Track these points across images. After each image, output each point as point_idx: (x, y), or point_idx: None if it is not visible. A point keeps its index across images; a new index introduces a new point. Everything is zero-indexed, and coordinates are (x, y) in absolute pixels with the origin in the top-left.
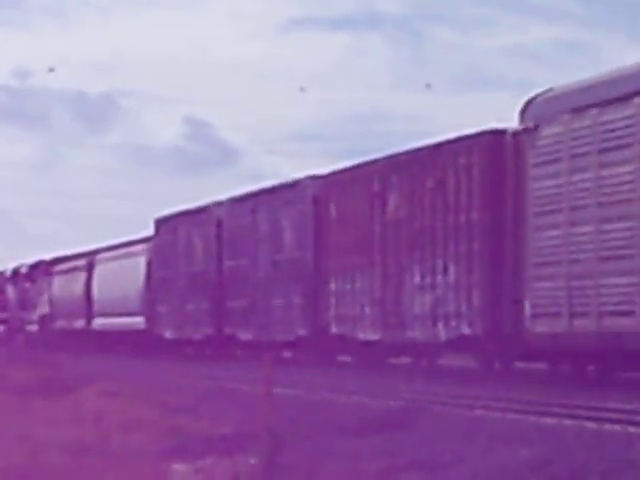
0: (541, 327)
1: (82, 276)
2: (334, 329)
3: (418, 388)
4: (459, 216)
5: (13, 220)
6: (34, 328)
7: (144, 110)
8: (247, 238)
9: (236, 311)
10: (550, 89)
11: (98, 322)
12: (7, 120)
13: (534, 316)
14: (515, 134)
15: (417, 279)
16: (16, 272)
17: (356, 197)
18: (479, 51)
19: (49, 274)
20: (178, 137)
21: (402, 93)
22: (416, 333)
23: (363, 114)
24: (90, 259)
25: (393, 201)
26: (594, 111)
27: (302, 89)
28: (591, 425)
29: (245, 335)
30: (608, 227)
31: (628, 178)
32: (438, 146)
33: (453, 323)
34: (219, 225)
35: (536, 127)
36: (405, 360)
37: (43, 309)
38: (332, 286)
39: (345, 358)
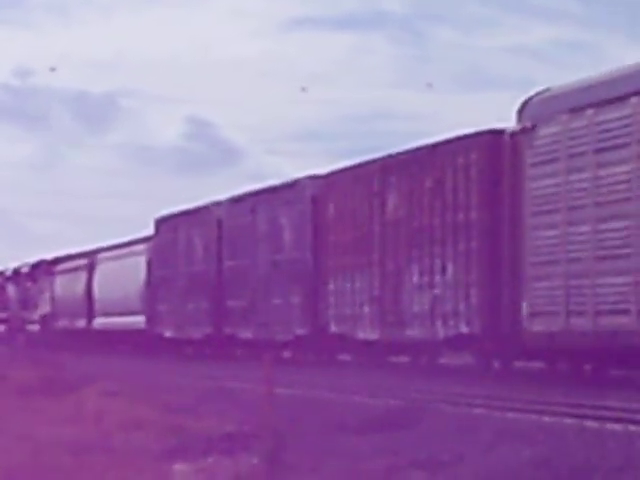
0: (539, 326)
1: (83, 276)
2: (333, 328)
3: (417, 387)
4: (457, 215)
5: (14, 220)
6: (35, 328)
7: (146, 110)
8: (247, 238)
9: (236, 310)
10: (547, 89)
11: (99, 321)
12: (8, 119)
13: (532, 315)
14: (513, 134)
15: (416, 278)
16: (17, 272)
17: (355, 197)
18: (481, 51)
19: (50, 274)
20: (180, 137)
21: (404, 92)
22: (415, 332)
23: (365, 113)
24: (91, 259)
25: (392, 201)
26: (591, 111)
27: (304, 89)
28: (591, 424)
29: (245, 334)
30: (605, 227)
31: (625, 178)
32: (436, 146)
33: (451, 322)
34: (219, 225)
35: (534, 127)
36: (404, 359)
37: (44, 309)
38: (331, 285)
39: (344, 357)
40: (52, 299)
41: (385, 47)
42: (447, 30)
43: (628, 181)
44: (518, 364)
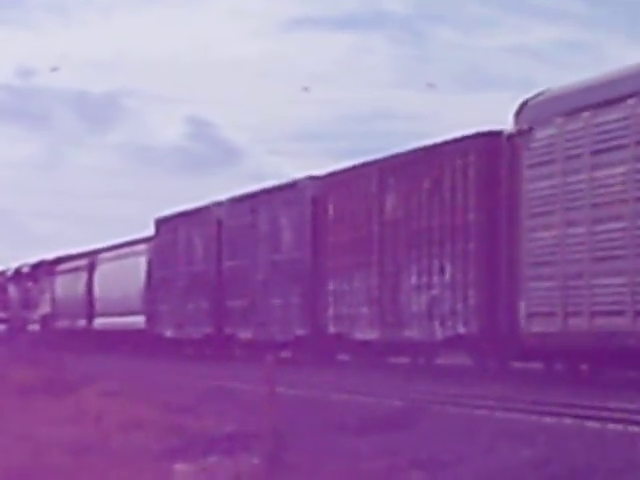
0: (536, 327)
1: (83, 276)
2: (332, 328)
3: (416, 387)
4: (455, 216)
5: (15, 220)
6: (36, 328)
7: (146, 110)
8: (247, 238)
9: (236, 311)
10: (544, 91)
11: (99, 321)
12: (10, 119)
13: (529, 316)
14: (510, 136)
15: (414, 279)
16: (18, 272)
17: (354, 197)
18: (481, 51)
19: (51, 274)
20: (180, 137)
21: (405, 92)
22: (413, 332)
23: (365, 113)
24: (91, 259)
25: (390, 201)
26: (588, 113)
27: (306, 88)
28: (589, 424)
29: (244, 334)
30: (601, 228)
31: (621, 180)
32: (435, 147)
33: (449, 322)
34: (219, 225)
35: (531, 129)
36: (402, 359)
37: (45, 309)
38: (330, 286)
39: (343, 357)
40: (53, 299)
41: (385, 47)
42: (447, 30)
43: (624, 183)
44: (515, 364)
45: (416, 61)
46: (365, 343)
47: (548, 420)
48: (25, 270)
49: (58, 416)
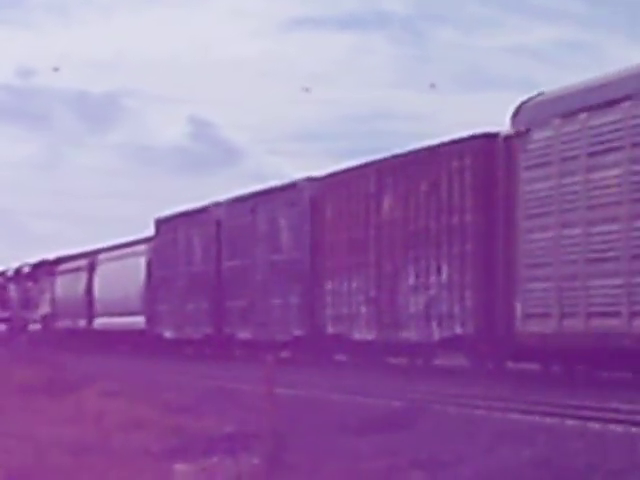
0: (532, 327)
1: (84, 276)
2: (330, 329)
3: (414, 387)
4: (452, 218)
5: (16, 220)
6: (36, 327)
7: (146, 110)
8: (246, 239)
9: (235, 311)
10: (541, 93)
11: (99, 322)
12: (10, 119)
13: (525, 316)
14: (507, 138)
15: (411, 279)
16: (18, 272)
17: (352, 198)
18: (481, 51)
19: (51, 274)
20: (181, 137)
21: (405, 93)
22: (410, 333)
23: (365, 114)
24: (92, 259)
25: (388, 202)
26: (584, 115)
27: (307, 89)
28: (590, 425)
29: (244, 335)
30: (597, 229)
31: (616, 181)
32: (432, 149)
33: (446, 323)
34: (218, 225)
35: (527, 131)
36: (400, 359)
37: (45, 309)
38: (328, 286)
39: (341, 357)
40: (53, 299)
41: (385, 47)
42: (448, 30)
43: (619, 185)
44: (512, 365)
45: (416, 61)
46: (363, 343)
47: (547, 420)
48: (25, 270)
49: (58, 416)
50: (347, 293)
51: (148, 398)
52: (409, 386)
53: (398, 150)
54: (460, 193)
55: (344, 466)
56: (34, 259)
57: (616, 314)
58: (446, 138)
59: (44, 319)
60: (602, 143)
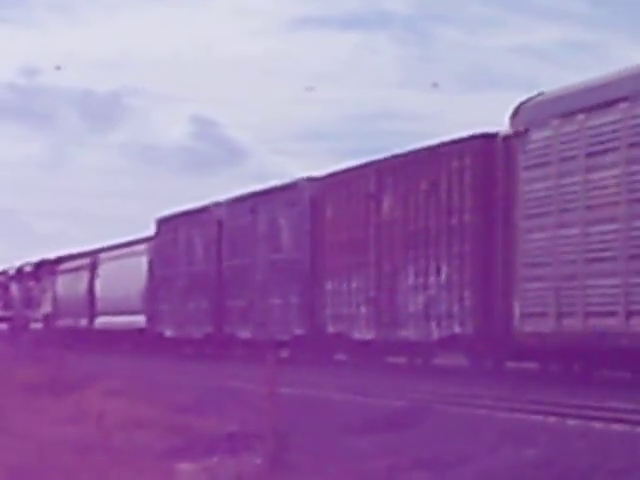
0: (530, 327)
1: (85, 275)
2: (330, 328)
3: (414, 387)
4: (451, 218)
5: (18, 219)
6: (38, 326)
7: (150, 109)
8: (246, 238)
9: (235, 310)
10: (540, 94)
11: (100, 321)
12: (14, 119)
13: (523, 316)
14: (506, 138)
15: (411, 279)
16: (20, 271)
17: (352, 198)
18: (485, 51)
19: (53, 273)
20: (184, 136)
21: (409, 92)
22: (410, 332)
23: (369, 113)
24: (93, 258)
25: (388, 202)
26: (582, 116)
27: (310, 88)
28: (589, 424)
29: (244, 334)
30: (594, 229)
31: (614, 182)
32: (432, 149)
33: (445, 323)
34: (219, 225)
35: (527, 131)
36: (399, 359)
37: (47, 308)
38: (328, 286)
39: (341, 357)
40: (54, 298)
41: (389, 47)
42: (451, 30)
43: (617, 185)
44: (510, 364)
45: (420, 61)
46: (363, 343)
47: (548, 420)
48: (27, 269)
49: (60, 415)
50: (347, 293)
51: (150, 397)
52: (409, 385)
53: (401, 150)
54: (459, 193)
55: (346, 466)
56: (36, 258)
57: (614, 314)
58: (447, 138)
59: (46, 318)
60: (600, 144)
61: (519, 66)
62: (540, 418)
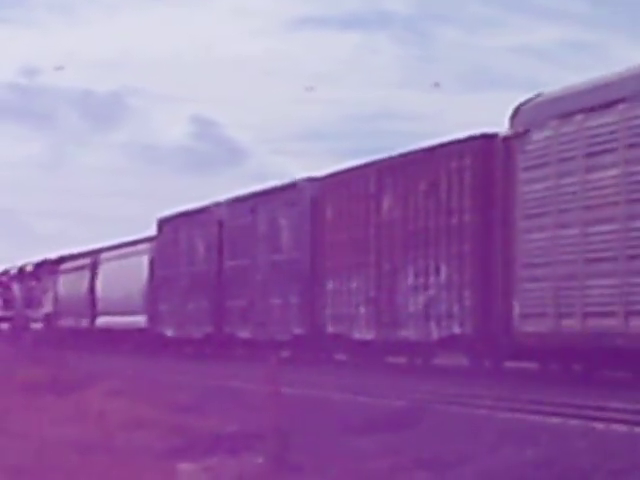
0: (529, 327)
1: (86, 275)
2: (330, 328)
3: (414, 387)
4: (451, 218)
5: (19, 219)
6: (39, 326)
7: (151, 109)
8: (247, 238)
9: (236, 310)
10: (539, 94)
11: (101, 320)
12: (15, 119)
13: (523, 316)
14: (505, 138)
15: (411, 279)
16: (22, 270)
17: (352, 198)
18: (485, 51)
19: (54, 273)
20: (184, 136)
21: (409, 92)
22: (409, 332)
23: (369, 113)
24: (94, 258)
25: (387, 202)
26: (581, 117)
27: (310, 88)
28: (593, 424)
29: (244, 334)
30: (594, 230)
31: (613, 182)
32: (431, 149)
33: (445, 323)
34: (220, 225)
35: (526, 131)
36: (399, 359)
37: (48, 307)
38: (328, 286)
39: (341, 357)
40: (55, 298)
41: (389, 47)
42: (451, 30)
43: (616, 185)
44: (509, 364)
45: (420, 61)
46: (363, 343)
47: (548, 420)
48: (28, 269)
49: (61, 415)
50: (347, 293)
51: (150, 397)
52: (409, 385)
53: (401, 150)
54: (459, 193)
55: (348, 465)
56: (37, 258)
57: (612, 314)
58: (447, 138)
59: (47, 318)
60: (599, 144)
61: (519, 66)
62: (540, 418)
